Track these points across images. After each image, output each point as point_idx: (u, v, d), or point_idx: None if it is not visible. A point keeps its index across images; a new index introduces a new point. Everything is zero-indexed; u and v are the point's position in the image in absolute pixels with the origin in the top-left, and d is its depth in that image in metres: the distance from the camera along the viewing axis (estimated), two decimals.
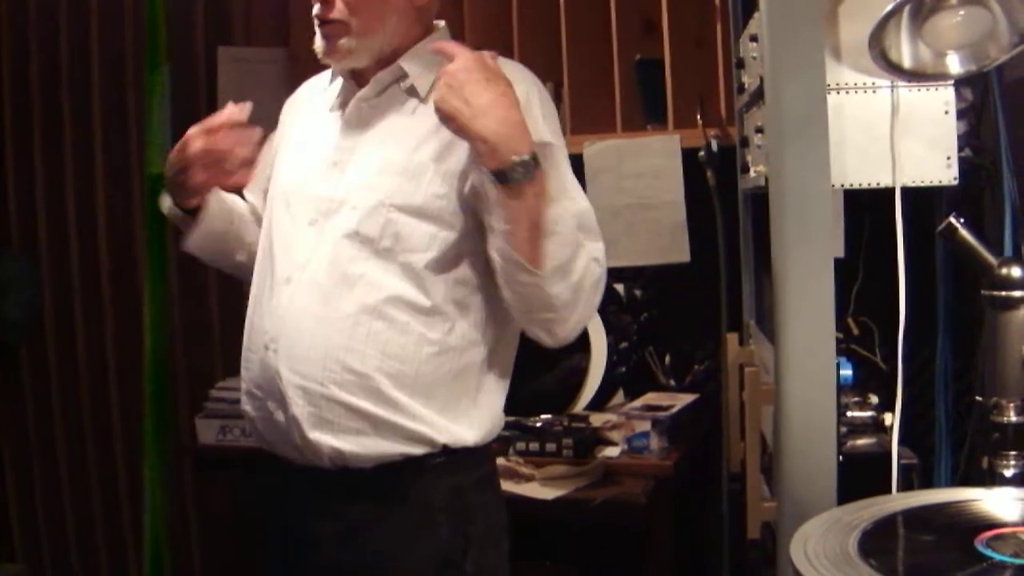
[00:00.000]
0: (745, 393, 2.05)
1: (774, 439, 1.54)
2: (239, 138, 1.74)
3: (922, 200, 2.06)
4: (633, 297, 2.92)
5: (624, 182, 2.88)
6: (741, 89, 2.21)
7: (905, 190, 1.60)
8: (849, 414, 1.79)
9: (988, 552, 1.10)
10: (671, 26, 2.79)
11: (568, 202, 1.62)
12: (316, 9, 1.70)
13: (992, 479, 1.48)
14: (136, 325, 3.34)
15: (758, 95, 1.87)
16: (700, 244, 2.81)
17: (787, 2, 1.41)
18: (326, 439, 1.64)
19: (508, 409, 1.79)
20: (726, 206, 2.65)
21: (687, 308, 2.87)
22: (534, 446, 2.51)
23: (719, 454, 2.56)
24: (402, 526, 1.67)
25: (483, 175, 1.55)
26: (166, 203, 1.84)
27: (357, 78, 1.75)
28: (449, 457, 1.68)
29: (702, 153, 2.69)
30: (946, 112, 1.61)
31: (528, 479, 2.41)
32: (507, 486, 2.15)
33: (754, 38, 1.95)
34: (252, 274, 1.84)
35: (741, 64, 2.14)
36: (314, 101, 1.85)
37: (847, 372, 1.72)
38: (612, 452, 2.51)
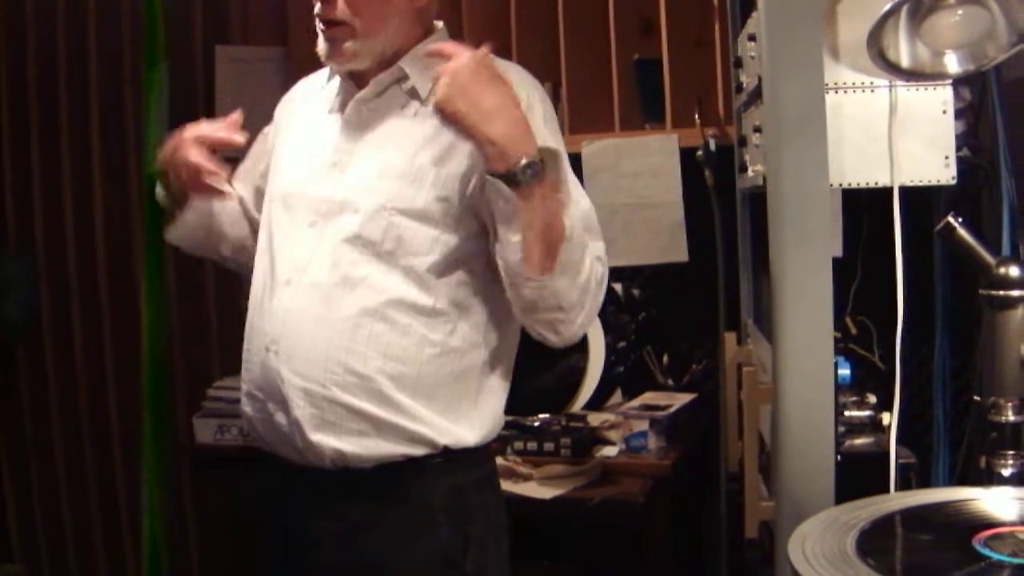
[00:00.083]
0: (743, 392, 2.05)
1: (772, 438, 1.54)
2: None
3: (920, 199, 2.06)
4: (631, 296, 2.92)
5: (622, 181, 2.88)
6: (739, 88, 2.21)
7: (903, 189, 1.60)
8: (847, 413, 1.79)
9: (986, 551, 1.10)
10: (669, 26, 2.79)
11: (573, 205, 1.61)
12: (317, 9, 1.69)
13: (990, 478, 1.48)
14: (134, 325, 3.33)
15: (756, 94, 1.87)
16: (698, 243, 2.81)
17: (785, 2, 1.41)
18: (328, 441, 1.64)
19: (506, 408, 1.79)
20: (724, 205, 2.65)
21: (685, 307, 2.87)
22: (532, 445, 2.51)
23: (717, 453, 2.56)
24: (402, 526, 1.66)
25: (491, 182, 1.53)
26: (160, 192, 1.86)
27: (356, 79, 1.75)
28: (449, 457, 1.68)
29: (700, 152, 2.69)
30: (944, 111, 1.61)
31: (526, 478, 2.42)
32: (505, 485, 2.15)
33: (752, 37, 1.95)
34: (241, 265, 1.84)
35: (739, 63, 2.14)
36: (311, 100, 1.84)
37: (845, 371, 1.72)
38: (610, 452, 2.51)
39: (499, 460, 2.37)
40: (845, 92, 1.60)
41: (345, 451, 1.64)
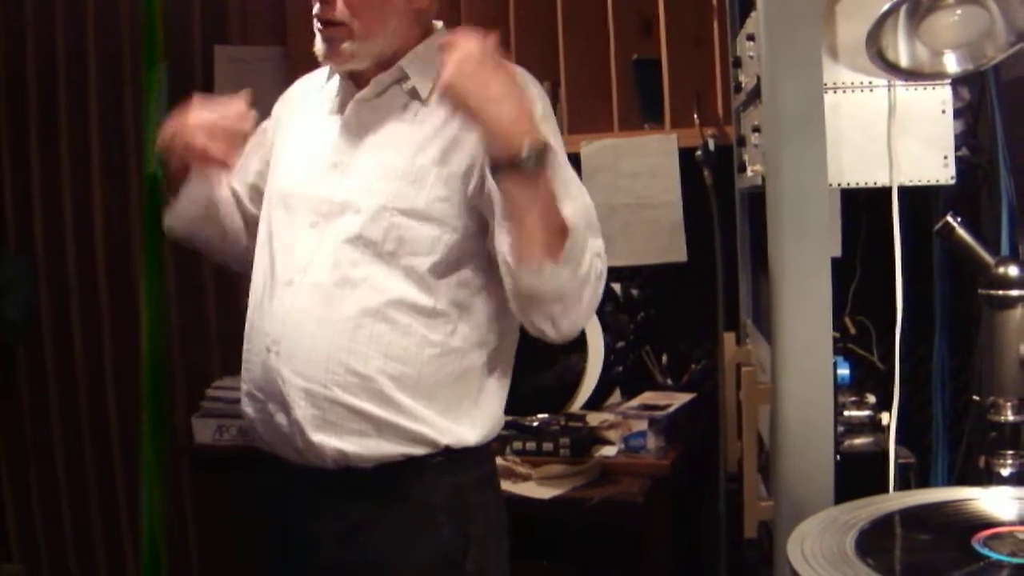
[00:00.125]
0: (742, 392, 2.05)
1: (771, 438, 1.54)
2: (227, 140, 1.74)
3: (919, 199, 2.06)
4: (630, 296, 2.92)
5: (621, 181, 2.88)
6: (738, 88, 2.21)
7: (902, 189, 1.60)
8: (846, 413, 1.79)
9: (985, 551, 1.10)
10: (668, 25, 2.79)
11: (574, 201, 1.61)
12: (316, 9, 1.69)
13: (989, 478, 1.48)
14: (133, 325, 3.34)
15: (755, 94, 1.87)
16: (697, 243, 2.81)
17: (784, 1, 1.41)
18: (329, 441, 1.64)
19: (505, 408, 1.79)
20: (723, 205, 2.65)
21: (684, 307, 2.87)
22: (531, 445, 2.51)
23: (716, 453, 2.56)
24: (403, 525, 1.67)
25: (495, 169, 1.52)
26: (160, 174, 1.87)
27: (355, 78, 1.75)
28: (450, 457, 1.68)
29: (699, 152, 2.69)
30: (943, 111, 1.61)
31: (525, 478, 2.42)
32: (504, 485, 2.15)
33: (751, 37, 1.95)
34: (234, 259, 1.86)
35: (738, 63, 2.14)
36: (310, 99, 1.84)
37: (844, 371, 1.72)
38: (609, 451, 2.51)
39: (498, 460, 2.37)
40: (844, 92, 1.60)
41: (347, 451, 1.64)
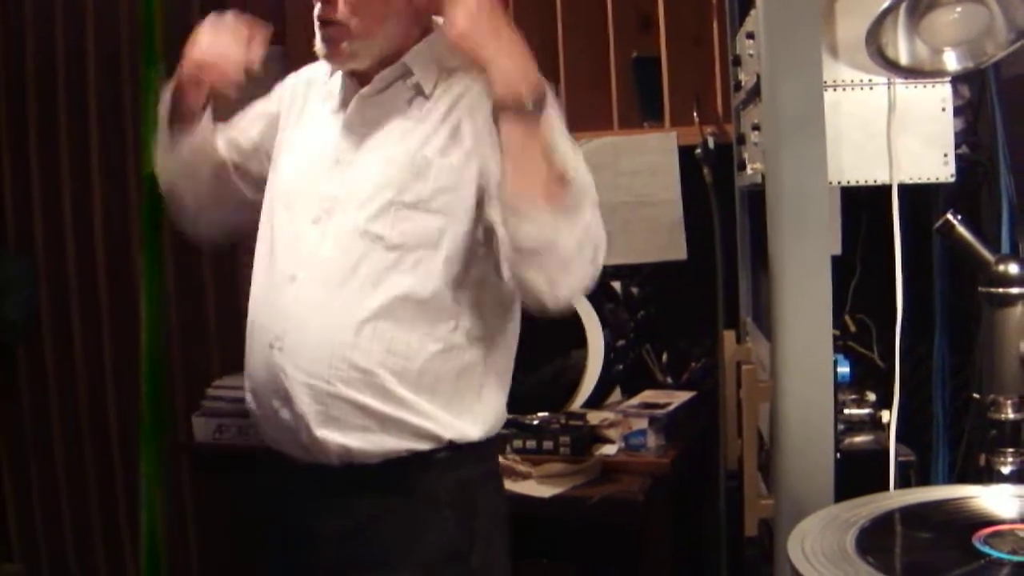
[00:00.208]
0: (742, 390, 2.05)
1: (771, 436, 1.54)
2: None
3: (919, 197, 2.06)
4: (630, 294, 2.92)
5: (620, 179, 2.88)
6: (738, 86, 2.21)
7: (902, 187, 1.60)
8: (846, 411, 1.79)
9: (986, 549, 1.10)
10: (668, 23, 2.79)
11: (574, 170, 1.62)
12: (318, 9, 1.70)
13: (989, 476, 1.48)
14: (133, 324, 3.32)
15: (755, 92, 1.87)
16: (697, 241, 2.81)
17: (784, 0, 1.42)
18: (333, 436, 1.64)
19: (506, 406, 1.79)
20: (723, 203, 2.65)
21: (684, 305, 2.87)
22: (531, 444, 2.51)
23: (716, 452, 2.56)
24: (408, 520, 1.67)
25: (496, 114, 1.57)
26: (164, 112, 1.86)
27: (358, 75, 1.75)
28: (454, 452, 1.68)
29: (699, 150, 2.69)
30: (943, 109, 1.61)
31: (525, 477, 2.41)
32: (504, 484, 2.15)
33: (751, 35, 1.95)
34: (216, 224, 1.89)
35: (738, 61, 2.14)
36: (314, 91, 1.84)
37: (844, 369, 1.72)
38: (609, 450, 2.51)
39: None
40: (844, 90, 1.60)
41: (351, 447, 1.64)
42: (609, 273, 2.90)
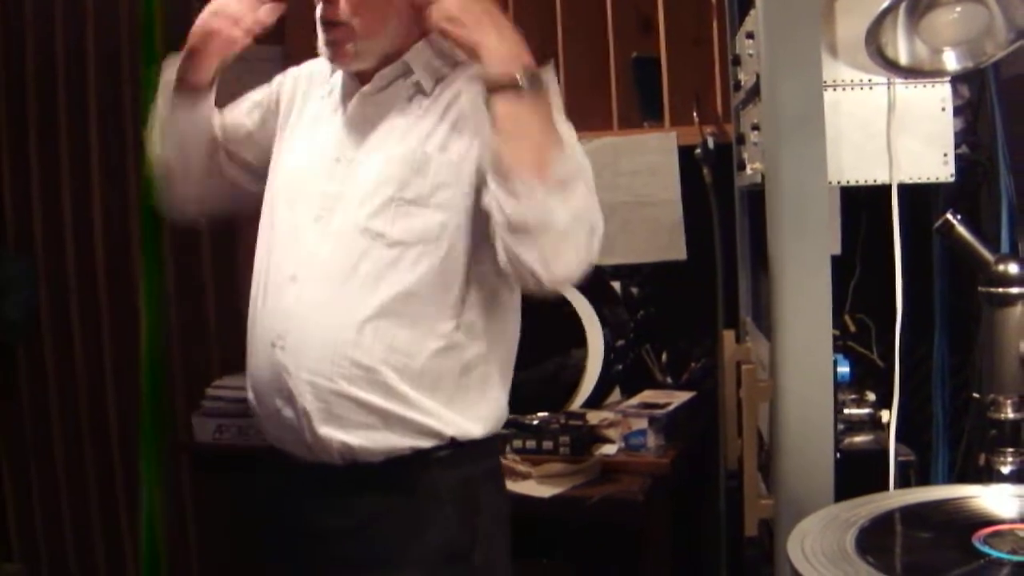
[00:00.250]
0: (742, 390, 2.04)
1: (771, 436, 1.54)
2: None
3: (919, 197, 2.06)
4: (630, 294, 2.92)
5: (620, 179, 2.88)
6: (737, 86, 2.21)
7: (902, 187, 1.60)
8: (846, 411, 1.79)
9: (985, 549, 1.10)
10: (667, 23, 2.79)
11: (572, 150, 1.62)
12: (320, 10, 1.70)
13: (989, 476, 1.48)
14: (133, 324, 3.33)
15: (754, 92, 1.87)
16: (697, 241, 2.80)
17: None
18: (336, 434, 1.64)
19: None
20: (722, 203, 2.65)
21: (684, 305, 2.87)
22: (531, 444, 2.51)
23: (716, 451, 2.55)
24: (411, 518, 1.67)
25: (489, 96, 1.57)
26: (168, 78, 1.86)
27: (359, 74, 1.76)
28: (456, 449, 1.68)
29: (698, 150, 2.69)
30: (943, 109, 1.61)
31: (525, 477, 2.41)
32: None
33: (750, 35, 1.95)
34: (189, 197, 1.89)
35: (737, 61, 2.14)
36: (315, 88, 1.84)
37: (844, 369, 1.72)
38: (609, 450, 2.51)
39: None
40: (843, 89, 1.60)
41: (353, 444, 1.64)
42: (609, 273, 2.90)
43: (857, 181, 1.61)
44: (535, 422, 2.56)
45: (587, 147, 2.89)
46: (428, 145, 1.67)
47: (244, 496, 2.36)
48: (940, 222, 1.59)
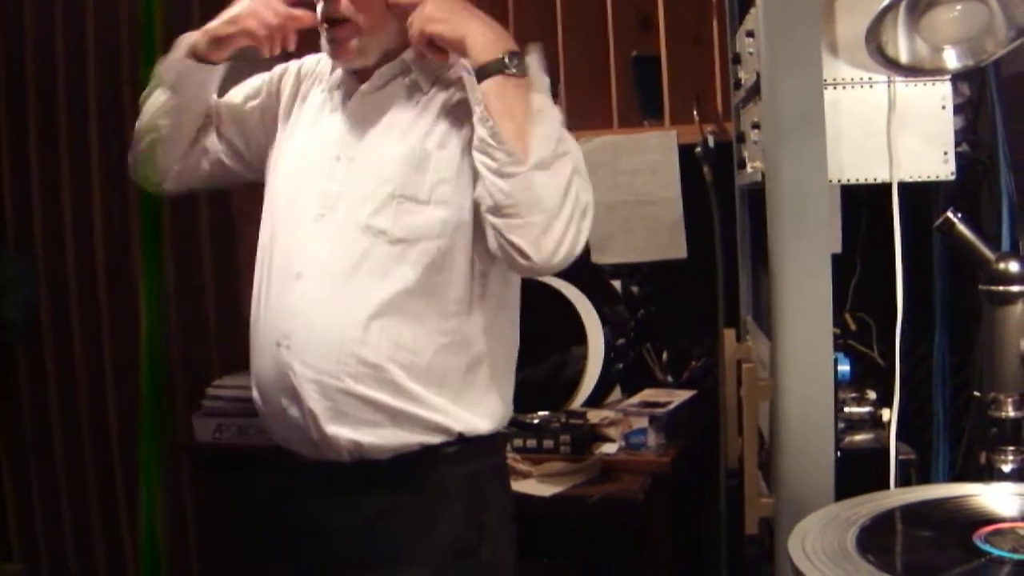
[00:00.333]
0: (742, 389, 2.04)
1: (772, 435, 1.54)
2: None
3: (919, 195, 2.06)
4: (630, 293, 2.92)
5: (620, 178, 2.88)
6: (738, 85, 2.21)
7: (902, 185, 1.60)
8: (847, 410, 1.79)
9: (986, 547, 1.10)
10: (667, 22, 2.79)
11: (553, 112, 1.64)
12: (321, 8, 1.70)
13: (990, 474, 1.48)
14: (133, 324, 3.33)
15: (755, 91, 1.87)
16: (697, 240, 2.80)
17: None
18: (344, 432, 1.65)
19: None
20: (723, 202, 2.65)
21: (684, 304, 2.87)
22: (531, 442, 2.51)
23: (717, 450, 2.55)
24: (419, 515, 1.67)
25: (478, 80, 1.60)
26: (180, 52, 1.85)
27: (358, 72, 1.76)
28: (464, 445, 1.69)
29: (699, 149, 2.69)
30: (943, 107, 1.61)
31: (525, 476, 2.41)
32: None
33: (750, 34, 1.95)
34: (172, 166, 1.92)
35: (737, 60, 2.14)
36: (315, 85, 1.84)
37: (845, 368, 1.72)
38: (610, 448, 2.51)
39: None
40: (844, 88, 1.60)
41: (361, 442, 1.65)
42: (609, 272, 2.90)
43: (857, 179, 1.60)
44: (535, 421, 2.56)
45: (587, 146, 2.91)
46: (427, 142, 1.68)
47: (244, 496, 2.36)
48: (940, 220, 1.59)
